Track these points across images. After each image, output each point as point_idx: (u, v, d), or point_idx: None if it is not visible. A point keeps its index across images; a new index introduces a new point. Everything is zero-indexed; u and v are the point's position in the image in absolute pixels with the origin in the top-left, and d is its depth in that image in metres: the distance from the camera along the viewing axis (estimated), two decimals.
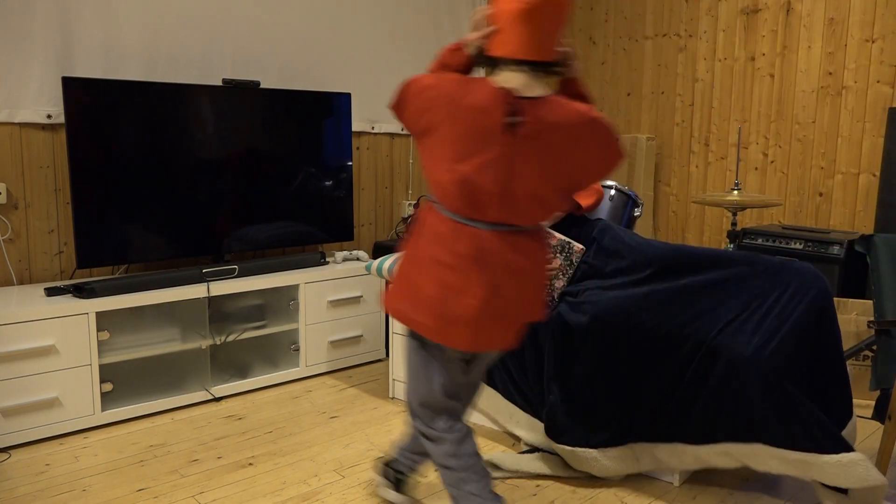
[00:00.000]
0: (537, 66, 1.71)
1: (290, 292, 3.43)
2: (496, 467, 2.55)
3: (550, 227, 2.58)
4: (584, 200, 2.73)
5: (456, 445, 1.91)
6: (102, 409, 2.88)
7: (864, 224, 3.89)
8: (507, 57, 1.70)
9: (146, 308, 3.04)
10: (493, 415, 2.75)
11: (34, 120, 3.01)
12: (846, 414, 2.24)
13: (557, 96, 1.73)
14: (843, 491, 2.13)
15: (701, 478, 2.54)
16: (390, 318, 3.23)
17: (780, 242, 3.81)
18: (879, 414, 2.47)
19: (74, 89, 2.89)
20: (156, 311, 3.07)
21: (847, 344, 3.23)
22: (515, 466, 2.53)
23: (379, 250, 4.20)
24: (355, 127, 4.07)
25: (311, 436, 2.85)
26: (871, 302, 3.33)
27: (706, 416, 2.22)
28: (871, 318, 2.84)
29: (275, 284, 3.33)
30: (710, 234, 4.49)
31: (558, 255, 2.52)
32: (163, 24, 3.31)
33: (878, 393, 2.78)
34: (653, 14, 4.63)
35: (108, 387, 2.91)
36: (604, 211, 3.61)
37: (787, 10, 4.06)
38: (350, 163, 3.82)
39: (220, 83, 3.45)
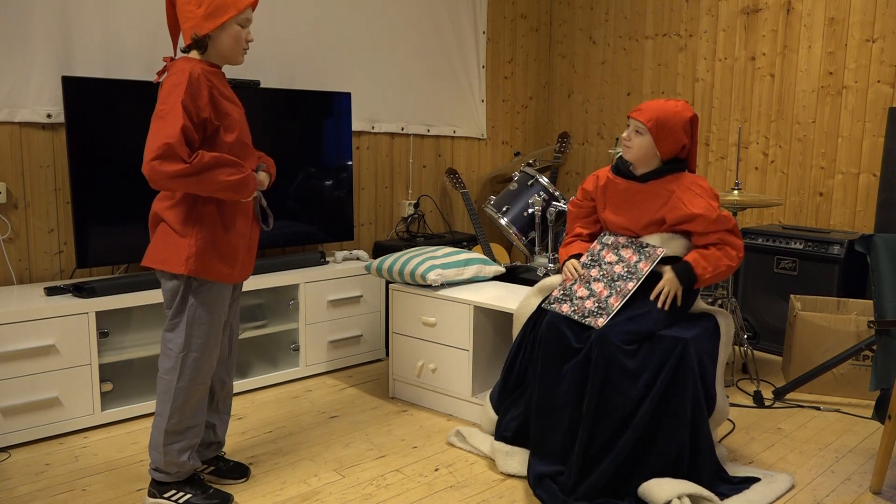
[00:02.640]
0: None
1: (290, 292, 3.43)
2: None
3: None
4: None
5: None
6: (102, 409, 2.88)
7: (864, 224, 3.89)
8: None
9: (146, 308, 3.04)
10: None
11: (34, 119, 3.01)
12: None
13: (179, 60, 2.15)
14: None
15: None
16: (390, 318, 3.23)
17: (781, 242, 3.81)
18: (879, 414, 2.47)
19: (74, 89, 2.89)
20: (156, 311, 3.07)
21: (847, 344, 3.23)
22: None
23: (379, 250, 4.19)
24: (355, 127, 4.06)
25: (310, 435, 2.85)
26: (871, 302, 3.33)
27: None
28: (871, 318, 2.84)
29: (275, 284, 3.33)
30: None
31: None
32: (163, 24, 3.30)
33: (878, 393, 2.77)
34: (653, 14, 4.63)
35: (108, 386, 2.91)
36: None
37: (788, 10, 4.06)
38: (350, 162, 3.82)
39: None
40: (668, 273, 2.44)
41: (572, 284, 2.54)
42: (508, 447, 2.54)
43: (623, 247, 2.55)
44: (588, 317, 2.41)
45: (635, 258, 2.50)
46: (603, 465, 2.28)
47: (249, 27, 2.19)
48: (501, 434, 2.58)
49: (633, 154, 2.51)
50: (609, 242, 2.59)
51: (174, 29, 2.22)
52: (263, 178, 2.31)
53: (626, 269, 2.49)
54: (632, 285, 2.44)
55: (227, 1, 2.11)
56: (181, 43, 2.18)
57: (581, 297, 2.48)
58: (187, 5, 2.11)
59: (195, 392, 2.23)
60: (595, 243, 2.63)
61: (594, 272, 2.54)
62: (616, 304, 2.42)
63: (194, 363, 2.19)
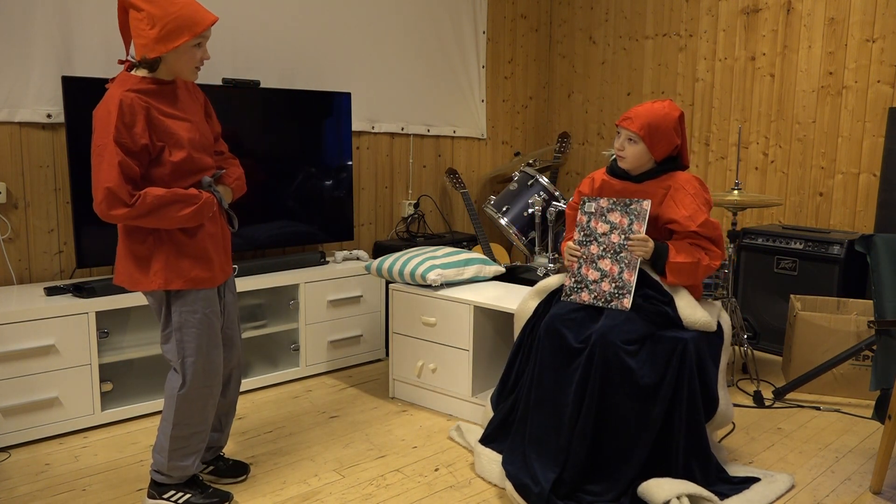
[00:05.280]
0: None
1: (290, 292, 3.43)
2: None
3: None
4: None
5: None
6: (102, 409, 2.88)
7: (864, 224, 3.89)
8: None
9: (146, 308, 3.04)
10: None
11: (34, 119, 3.01)
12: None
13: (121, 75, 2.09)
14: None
15: None
16: (390, 318, 3.23)
17: (781, 242, 3.81)
18: (879, 414, 2.47)
19: (74, 89, 2.89)
20: None
21: (847, 344, 3.23)
22: None
23: (379, 250, 4.19)
24: (355, 127, 4.06)
25: (311, 435, 2.85)
26: (871, 302, 3.33)
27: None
28: (871, 318, 2.84)
29: (275, 284, 3.33)
30: None
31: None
32: None
33: (878, 393, 2.77)
34: (653, 14, 4.63)
35: (108, 386, 2.91)
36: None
37: (788, 10, 4.06)
38: (350, 162, 3.82)
39: (220, 83, 3.44)
40: (648, 239, 2.43)
41: (579, 268, 2.53)
42: (493, 454, 2.51)
43: (609, 210, 2.52)
44: (612, 301, 2.41)
45: (626, 220, 2.48)
46: (615, 471, 2.28)
47: (206, 44, 2.07)
48: (485, 435, 2.59)
49: (629, 163, 2.52)
50: (593, 210, 2.55)
51: (126, 34, 2.13)
52: (226, 193, 2.28)
53: (623, 237, 2.47)
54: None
55: (182, 24, 1.99)
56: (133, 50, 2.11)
57: (595, 281, 2.47)
58: (139, 23, 1.99)
59: (199, 397, 2.21)
60: (580, 215, 2.59)
61: (594, 249, 2.52)
62: (631, 278, 2.42)
63: (192, 367, 2.18)
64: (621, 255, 2.46)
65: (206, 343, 2.19)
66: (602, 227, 2.52)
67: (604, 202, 2.53)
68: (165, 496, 2.24)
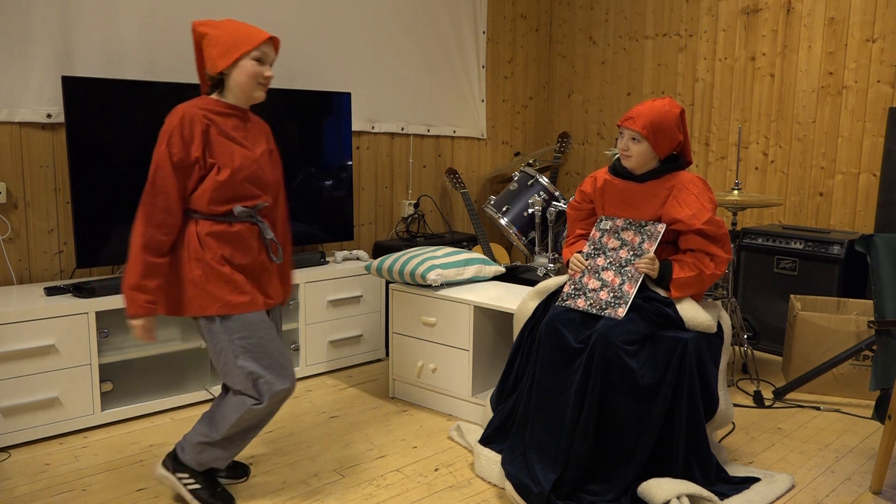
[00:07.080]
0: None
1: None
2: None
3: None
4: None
5: None
6: (102, 409, 2.88)
7: (864, 224, 3.89)
8: None
9: None
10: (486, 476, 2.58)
11: (34, 119, 3.01)
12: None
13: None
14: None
15: None
16: (390, 318, 3.23)
17: (781, 242, 3.81)
18: (879, 414, 2.47)
19: (74, 89, 2.89)
20: None
21: (847, 344, 3.23)
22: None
23: (379, 250, 4.20)
24: (355, 127, 4.07)
25: (311, 436, 2.85)
26: (871, 302, 3.33)
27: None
28: (871, 318, 2.84)
29: None
30: None
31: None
32: (163, 24, 3.31)
33: (878, 393, 2.78)
34: (653, 14, 4.63)
35: (108, 386, 2.91)
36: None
37: (788, 10, 4.06)
38: (350, 162, 3.82)
39: None
40: (655, 259, 2.47)
41: (581, 277, 2.54)
42: (493, 454, 2.52)
43: (623, 229, 2.55)
44: (606, 308, 2.41)
45: (638, 239, 2.50)
46: (615, 471, 2.28)
47: (269, 64, 2.18)
48: (485, 436, 2.59)
49: (634, 162, 2.51)
50: (608, 228, 2.58)
51: (202, 72, 2.25)
52: (268, 231, 2.29)
53: (631, 253, 2.48)
54: None
55: (240, 38, 2.13)
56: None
57: (594, 290, 2.48)
58: (208, 48, 2.15)
59: (269, 412, 2.23)
60: (594, 231, 2.61)
61: (600, 261, 2.53)
62: (631, 290, 2.42)
63: (267, 384, 2.17)
64: (626, 268, 2.47)
65: (270, 362, 2.19)
66: (613, 243, 2.55)
67: (620, 222, 2.57)
68: (179, 475, 2.26)
